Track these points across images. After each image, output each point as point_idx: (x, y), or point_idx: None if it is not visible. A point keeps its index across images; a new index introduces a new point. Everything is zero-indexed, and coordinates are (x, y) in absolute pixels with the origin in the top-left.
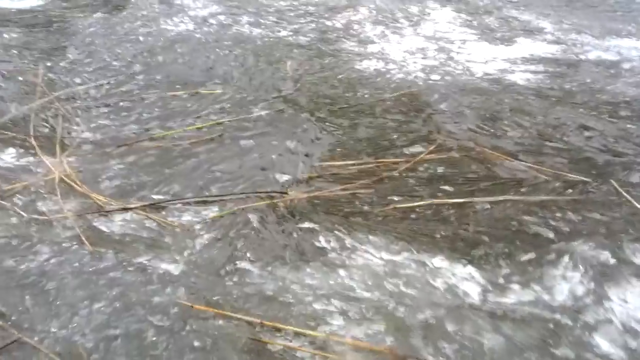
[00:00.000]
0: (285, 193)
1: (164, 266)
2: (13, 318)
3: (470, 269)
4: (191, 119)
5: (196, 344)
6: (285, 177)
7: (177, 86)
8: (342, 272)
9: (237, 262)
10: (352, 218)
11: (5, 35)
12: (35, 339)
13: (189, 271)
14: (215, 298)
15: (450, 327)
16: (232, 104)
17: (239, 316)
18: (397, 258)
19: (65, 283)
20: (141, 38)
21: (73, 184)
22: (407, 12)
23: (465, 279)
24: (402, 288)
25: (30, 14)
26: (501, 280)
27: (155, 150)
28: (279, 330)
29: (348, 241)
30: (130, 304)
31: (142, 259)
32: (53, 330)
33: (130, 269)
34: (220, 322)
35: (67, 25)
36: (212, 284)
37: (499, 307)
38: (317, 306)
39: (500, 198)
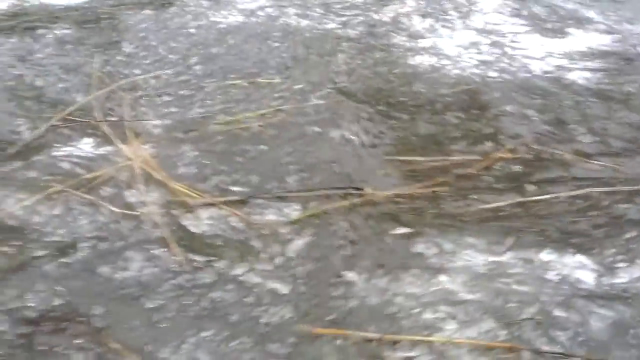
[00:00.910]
0: (361, 189)
1: (265, 282)
2: (121, 337)
3: (579, 257)
4: (253, 106)
5: None
6: (357, 172)
7: (232, 76)
8: (442, 277)
9: (342, 272)
10: (440, 219)
11: (57, 32)
12: None
13: (292, 287)
14: (328, 318)
15: (563, 315)
16: (290, 93)
17: (356, 334)
18: (502, 258)
19: (165, 304)
20: (193, 31)
21: (153, 172)
22: (455, 1)
23: (577, 267)
24: (513, 286)
25: (78, 11)
26: (609, 261)
27: (224, 135)
28: (395, 342)
29: (446, 246)
30: (239, 331)
31: (239, 271)
32: (164, 356)
33: (230, 286)
34: (338, 342)
35: (117, 21)
36: (318, 299)
37: (612, 288)
38: (427, 315)
39: (587, 190)
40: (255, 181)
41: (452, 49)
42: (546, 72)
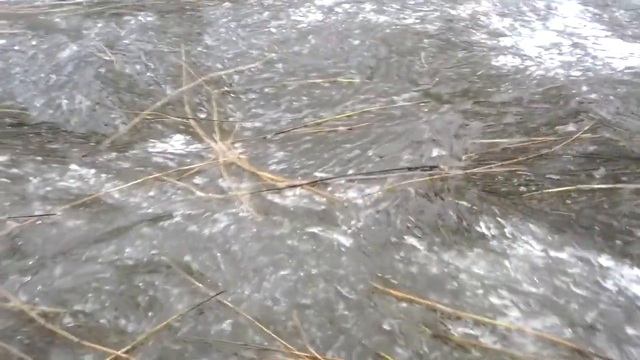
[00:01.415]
0: (437, 167)
1: (335, 236)
2: (208, 278)
3: (637, 271)
4: (339, 108)
5: (385, 327)
6: (439, 153)
7: (314, 74)
8: (506, 262)
9: (404, 236)
10: (508, 199)
11: (141, 18)
12: (229, 299)
13: (358, 242)
14: (386, 276)
15: (630, 331)
16: (375, 94)
17: (424, 302)
18: (562, 255)
19: (249, 247)
20: (273, 30)
21: (243, 167)
22: (533, 5)
23: (634, 282)
24: (572, 287)
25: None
26: None
27: (312, 137)
28: (459, 318)
29: (508, 229)
30: (312, 274)
31: (314, 229)
32: (246, 293)
33: (304, 237)
34: (404, 304)
35: (199, 13)
36: (380, 258)
37: None
38: (490, 297)
39: None
40: (339, 169)
41: (533, 49)
42: (630, 67)
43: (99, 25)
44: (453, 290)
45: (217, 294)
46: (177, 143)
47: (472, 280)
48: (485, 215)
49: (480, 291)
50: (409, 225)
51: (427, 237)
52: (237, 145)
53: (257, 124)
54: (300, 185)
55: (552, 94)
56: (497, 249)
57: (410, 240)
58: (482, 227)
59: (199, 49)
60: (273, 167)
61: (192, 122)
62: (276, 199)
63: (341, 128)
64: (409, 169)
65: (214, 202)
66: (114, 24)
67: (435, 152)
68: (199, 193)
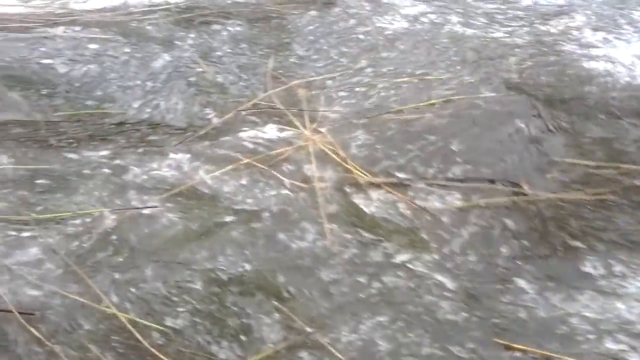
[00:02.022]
0: (525, 188)
1: (433, 274)
2: (301, 309)
3: None
4: (424, 97)
5: None
6: (523, 169)
7: (403, 75)
8: (618, 304)
9: (512, 278)
10: (609, 234)
11: (231, 29)
12: (325, 338)
13: (461, 282)
14: (496, 321)
15: None
16: (460, 87)
17: (539, 352)
18: None
19: (341, 278)
20: (361, 37)
21: (328, 152)
22: (630, 18)
23: None
24: None
25: (247, 7)
26: None
27: (396, 123)
28: None
29: (616, 268)
30: (415, 323)
31: (405, 257)
32: (343, 333)
33: (399, 272)
34: (517, 354)
35: (286, 21)
36: (487, 302)
37: None
38: (608, 343)
39: None
40: (421, 168)
41: (626, 58)
42: None
43: (192, 35)
44: (565, 336)
45: (313, 332)
46: (269, 130)
47: (584, 324)
48: (589, 251)
49: (595, 336)
50: (510, 264)
51: (531, 275)
52: (323, 129)
53: (343, 110)
54: (382, 183)
55: None
56: (606, 288)
57: (518, 282)
58: (587, 266)
59: (291, 60)
60: (355, 151)
61: (283, 113)
62: (361, 203)
63: (427, 115)
64: (491, 181)
65: (300, 200)
66: (205, 34)
67: (516, 161)
68: (286, 182)
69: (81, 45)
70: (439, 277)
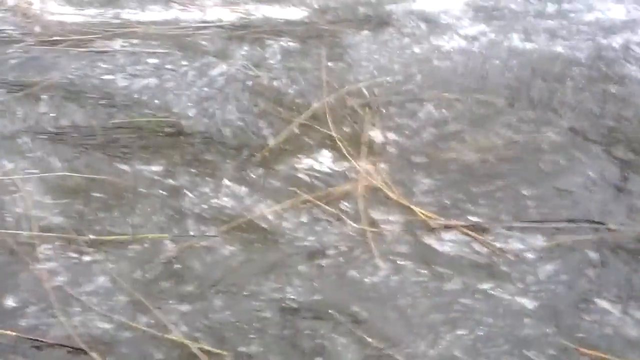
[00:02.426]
0: (606, 224)
1: (514, 297)
2: (377, 331)
3: None
4: (482, 130)
5: None
6: (601, 209)
7: (454, 90)
8: None
9: (595, 299)
10: None
11: (283, 44)
12: (402, 353)
13: (541, 304)
14: (579, 335)
15: None
16: (518, 119)
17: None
18: None
19: (418, 302)
20: (417, 50)
21: (390, 192)
22: None
23: None
24: None
25: (300, 26)
26: None
27: (458, 165)
28: None
29: None
30: (495, 333)
31: (486, 286)
32: (421, 349)
33: (478, 296)
34: None
35: (338, 40)
36: (569, 320)
37: None
38: None
39: None
40: (493, 212)
41: None
42: None
43: (245, 48)
44: None
45: (389, 347)
46: (323, 159)
47: None
48: None
49: None
50: (593, 288)
51: (614, 296)
52: (382, 165)
53: (400, 139)
54: (456, 226)
55: None
56: None
57: (601, 303)
58: None
59: (341, 64)
60: (420, 197)
61: (336, 138)
62: (434, 243)
63: (489, 156)
64: (572, 221)
65: (368, 238)
66: (258, 47)
67: (596, 204)
68: (350, 224)
69: (141, 60)
70: (520, 300)
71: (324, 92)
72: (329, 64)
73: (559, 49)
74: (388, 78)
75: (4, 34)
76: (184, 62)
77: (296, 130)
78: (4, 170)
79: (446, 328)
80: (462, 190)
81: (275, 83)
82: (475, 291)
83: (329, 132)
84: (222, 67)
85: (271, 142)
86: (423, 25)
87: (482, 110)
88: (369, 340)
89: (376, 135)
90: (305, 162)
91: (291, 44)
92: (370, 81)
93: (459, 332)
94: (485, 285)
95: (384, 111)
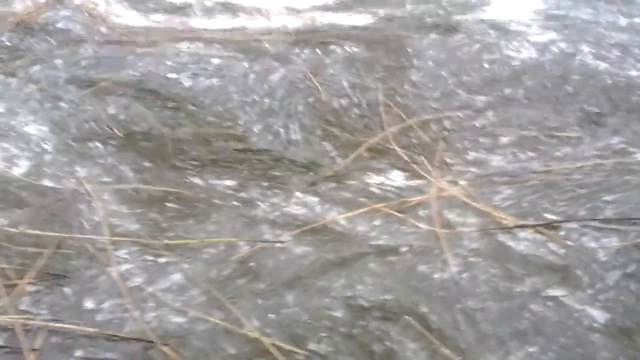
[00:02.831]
0: None
1: (584, 308)
2: (447, 338)
3: None
4: (567, 162)
5: None
6: None
7: (530, 127)
8: None
9: None
10: None
11: (347, 49)
12: None
13: (612, 319)
14: None
15: None
16: (607, 148)
17: None
18: None
19: (487, 307)
20: (486, 65)
21: (467, 200)
22: None
23: None
24: None
25: (366, 30)
26: None
27: (540, 182)
28: None
29: None
30: (568, 356)
31: (558, 292)
32: None
33: (549, 303)
34: None
35: (405, 44)
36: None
37: None
38: None
39: None
40: (570, 211)
41: None
42: None
43: (306, 52)
44: None
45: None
46: (397, 178)
47: None
48: None
49: None
50: None
51: None
52: (461, 182)
53: (478, 170)
54: (532, 226)
55: None
56: None
57: None
58: None
59: (406, 87)
60: (498, 203)
61: (408, 161)
62: (509, 241)
63: (575, 176)
64: None
65: (441, 237)
66: (320, 51)
67: None
68: (423, 226)
69: (204, 60)
70: (591, 311)
71: (386, 120)
72: (391, 82)
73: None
74: (459, 113)
75: (73, 34)
76: (245, 64)
77: (364, 154)
78: (76, 177)
79: (516, 343)
80: (543, 197)
81: (335, 103)
82: (547, 298)
83: (400, 153)
84: (282, 71)
85: (339, 162)
86: (492, 32)
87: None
88: (440, 347)
89: (449, 157)
90: (376, 178)
91: (355, 49)
92: (437, 114)
93: (530, 349)
94: (556, 292)
95: (458, 145)
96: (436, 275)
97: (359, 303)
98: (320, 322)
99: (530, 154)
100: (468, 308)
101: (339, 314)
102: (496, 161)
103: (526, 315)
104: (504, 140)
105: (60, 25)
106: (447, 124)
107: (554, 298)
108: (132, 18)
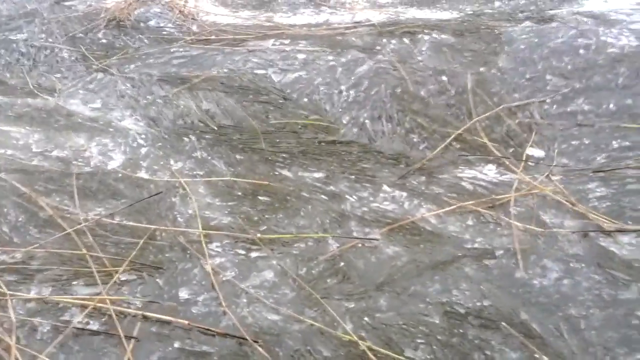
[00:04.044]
0: None
1: None
2: (550, 347)
3: None
4: None
5: None
6: None
7: (624, 117)
8: None
9: None
10: None
11: (436, 36)
12: None
13: None
14: None
15: None
16: None
17: None
18: None
19: (592, 314)
20: (581, 51)
21: (564, 201)
22: None
23: None
24: None
25: (455, 21)
26: None
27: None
28: None
29: None
30: None
31: None
32: None
33: None
34: None
35: (496, 31)
36: None
37: None
38: None
39: None
40: None
41: None
42: None
43: (393, 42)
44: None
45: None
46: (489, 172)
47: None
48: None
49: None
50: None
51: None
52: (553, 177)
53: (570, 162)
54: (633, 230)
55: None
56: None
57: None
58: None
59: (493, 71)
60: (595, 203)
61: (497, 154)
62: (610, 245)
63: None
64: None
65: (539, 241)
66: (407, 40)
67: None
68: (518, 225)
69: (290, 56)
70: None
71: (474, 109)
72: (480, 67)
73: None
74: (546, 97)
75: (165, 32)
76: (331, 57)
77: (454, 144)
78: (171, 170)
79: (624, 350)
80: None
81: (422, 91)
82: None
83: (489, 146)
84: (370, 63)
85: (428, 154)
86: (589, 20)
87: None
88: (544, 358)
89: (537, 150)
90: (468, 172)
91: (444, 36)
92: (525, 100)
93: (638, 356)
94: None
95: (546, 133)
96: (536, 282)
97: (455, 309)
98: (416, 328)
99: (625, 143)
100: (571, 315)
101: (435, 320)
102: (588, 152)
103: (634, 321)
104: (595, 129)
105: (152, 23)
106: (536, 112)
107: None
108: (220, 15)
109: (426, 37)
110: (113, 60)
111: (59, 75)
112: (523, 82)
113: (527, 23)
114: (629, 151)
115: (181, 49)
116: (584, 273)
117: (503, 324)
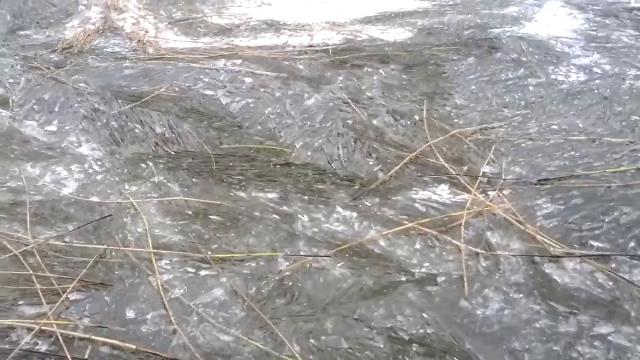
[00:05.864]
0: None
1: (637, 347)
2: None
3: None
4: (611, 165)
5: None
6: None
7: (575, 133)
8: None
9: None
10: None
11: (383, 73)
12: None
13: None
14: None
15: None
16: None
17: None
18: None
19: (534, 347)
20: (531, 88)
21: (513, 221)
22: None
23: None
24: None
25: (405, 51)
26: None
27: (582, 191)
28: None
29: None
30: None
31: (603, 330)
32: None
33: (595, 343)
34: None
35: (444, 67)
36: None
37: None
38: None
39: None
40: (620, 240)
41: None
42: None
43: (340, 78)
44: None
45: None
46: (442, 192)
47: None
48: None
49: None
50: None
51: None
52: (503, 192)
53: (518, 170)
54: (579, 256)
55: None
56: None
57: None
58: None
59: (447, 108)
60: (542, 221)
61: (452, 172)
62: (553, 273)
63: (615, 183)
64: None
65: (483, 265)
66: (354, 77)
67: None
68: (465, 247)
69: (238, 79)
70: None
71: (429, 134)
72: (433, 105)
73: None
74: (502, 123)
75: (119, 54)
76: (279, 85)
77: (410, 166)
78: (122, 191)
79: None
80: (588, 217)
81: (376, 122)
82: (593, 337)
83: (445, 166)
84: (317, 97)
85: (382, 176)
86: (532, 50)
87: (609, 150)
88: None
89: (492, 169)
90: (422, 193)
91: (393, 72)
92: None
93: None
94: (603, 329)
95: (502, 149)
96: (478, 311)
97: (400, 335)
98: (362, 353)
99: (575, 154)
100: (514, 349)
101: (380, 344)
102: (538, 167)
103: (573, 355)
104: (547, 144)
105: (108, 49)
106: (490, 134)
107: (602, 337)
108: (181, 42)
109: (374, 75)
110: (63, 72)
111: (11, 81)
112: (478, 116)
113: (472, 59)
114: (577, 161)
115: (133, 64)
116: (523, 304)
117: (447, 355)
